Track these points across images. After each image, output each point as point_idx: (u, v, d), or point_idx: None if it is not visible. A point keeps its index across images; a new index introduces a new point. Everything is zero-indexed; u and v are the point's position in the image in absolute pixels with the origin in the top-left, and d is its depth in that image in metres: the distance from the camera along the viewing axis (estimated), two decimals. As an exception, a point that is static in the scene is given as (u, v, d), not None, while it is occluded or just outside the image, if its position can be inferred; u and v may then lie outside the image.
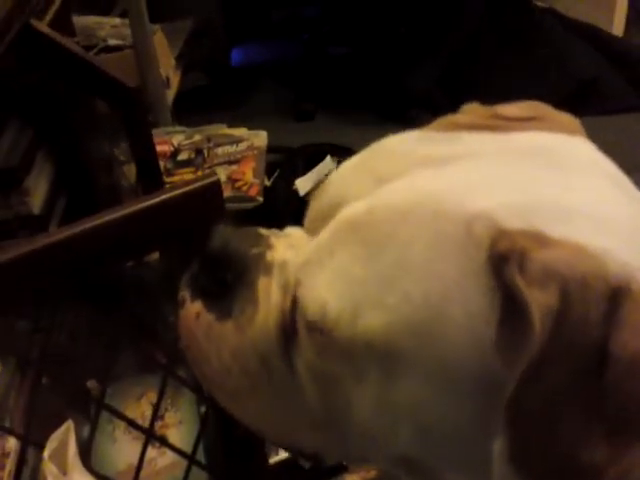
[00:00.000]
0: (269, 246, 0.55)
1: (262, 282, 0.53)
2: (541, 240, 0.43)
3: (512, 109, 0.55)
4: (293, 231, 0.57)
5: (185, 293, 0.57)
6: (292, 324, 0.52)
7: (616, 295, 0.41)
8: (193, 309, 0.56)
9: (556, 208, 0.45)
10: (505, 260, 0.43)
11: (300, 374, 0.52)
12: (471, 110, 0.56)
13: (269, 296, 0.53)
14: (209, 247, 0.55)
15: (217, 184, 0.72)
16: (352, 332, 0.47)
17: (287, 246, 0.55)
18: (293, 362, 0.53)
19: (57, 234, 0.69)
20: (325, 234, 0.50)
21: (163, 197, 0.71)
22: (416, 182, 0.48)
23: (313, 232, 0.53)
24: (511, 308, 0.42)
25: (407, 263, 0.45)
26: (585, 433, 0.41)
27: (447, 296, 0.44)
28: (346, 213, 0.49)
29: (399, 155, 0.51)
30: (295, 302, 0.51)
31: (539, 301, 0.41)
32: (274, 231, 0.58)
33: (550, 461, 0.42)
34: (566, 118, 0.56)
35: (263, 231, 0.57)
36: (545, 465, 0.42)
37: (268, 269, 0.54)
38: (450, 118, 0.55)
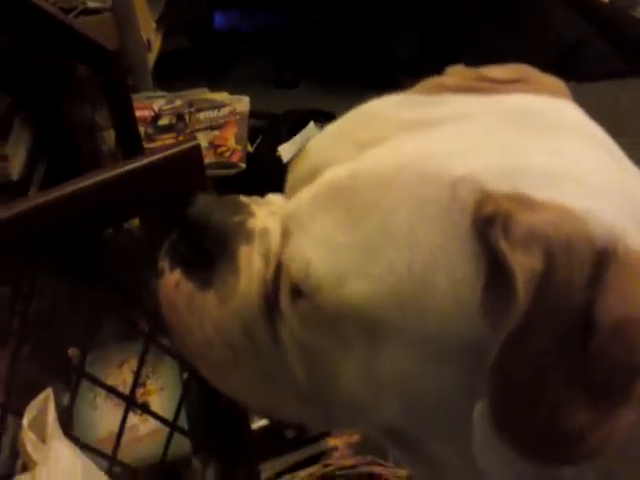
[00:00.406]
0: (250, 214, 0.54)
1: (243, 251, 0.52)
2: (526, 203, 0.42)
3: (497, 71, 0.54)
4: (274, 198, 0.56)
5: (164, 263, 0.56)
6: (275, 292, 0.51)
7: (601, 259, 0.41)
8: (172, 278, 0.55)
9: (542, 171, 0.44)
10: (490, 224, 0.42)
11: (284, 345, 0.52)
12: (456, 72, 0.55)
13: (251, 265, 0.52)
14: (189, 216, 0.54)
15: (197, 149, 0.71)
16: (336, 299, 0.46)
17: (268, 214, 0.54)
18: (277, 332, 0.52)
19: (35, 199, 0.68)
20: (306, 197, 0.49)
21: (142, 162, 0.69)
22: (400, 146, 0.47)
23: None
24: (496, 272, 0.42)
25: (391, 230, 0.45)
26: (568, 397, 0.41)
27: (432, 263, 0.44)
28: (328, 177, 0.49)
29: (381, 119, 0.50)
30: (279, 268, 0.51)
31: (522, 264, 0.40)
32: (255, 198, 0.57)
33: (532, 425, 0.42)
34: (551, 81, 0.55)
35: (244, 199, 0.56)
36: (527, 429, 0.42)
37: (249, 237, 0.53)
38: (434, 80, 0.54)
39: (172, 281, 0.55)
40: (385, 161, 0.47)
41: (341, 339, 0.48)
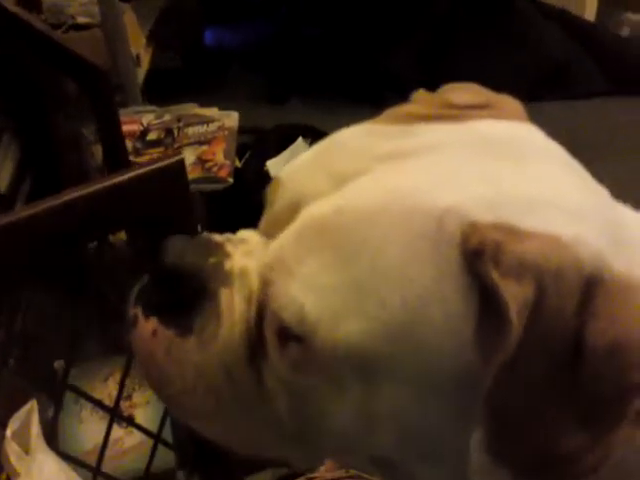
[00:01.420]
0: (226, 255, 0.53)
1: (224, 294, 0.51)
2: (513, 232, 0.43)
3: (462, 96, 0.54)
4: (248, 235, 0.54)
5: (137, 310, 0.54)
6: (259, 336, 0.50)
7: (590, 285, 0.41)
8: (149, 327, 0.53)
9: (524, 199, 0.45)
10: (479, 255, 0.43)
11: (269, 387, 0.51)
12: (420, 99, 0.55)
13: (232, 308, 0.51)
14: (162, 261, 0.53)
15: (181, 163, 0.71)
16: (331, 341, 0.46)
17: (244, 253, 0.52)
18: (261, 375, 0.51)
19: (20, 212, 0.68)
20: (289, 237, 0.48)
21: (126, 176, 0.70)
22: (382, 180, 0.47)
23: (271, 236, 0.51)
24: (487, 302, 0.43)
25: (382, 267, 0.45)
26: (562, 421, 0.41)
27: (425, 298, 0.44)
28: (310, 214, 0.48)
29: (355, 151, 0.50)
30: (262, 312, 0.50)
31: (514, 294, 0.41)
32: (228, 236, 0.55)
33: (528, 450, 0.43)
34: (510, 103, 0.56)
35: (217, 238, 0.55)
36: (523, 454, 0.43)
37: (228, 280, 0.51)
38: (402, 109, 0.54)
39: (148, 330, 0.53)
40: (369, 196, 0.46)
41: (333, 378, 0.47)
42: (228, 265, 0.52)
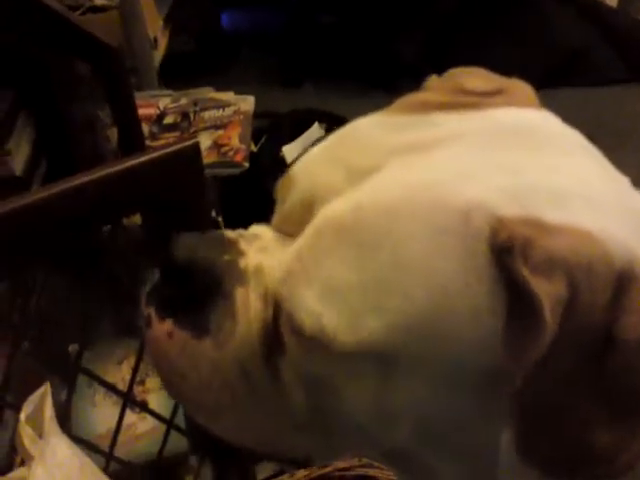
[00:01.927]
0: (240, 252, 0.52)
1: (239, 293, 0.51)
2: (542, 227, 0.42)
3: (475, 82, 0.52)
4: (261, 231, 0.54)
5: (151, 310, 0.53)
6: (276, 332, 0.50)
7: (621, 280, 0.41)
8: (163, 328, 0.52)
9: (548, 191, 0.44)
10: (508, 250, 0.42)
11: (286, 382, 0.50)
12: (434, 86, 0.54)
13: (248, 307, 0.50)
14: (174, 258, 0.52)
15: (196, 147, 0.71)
16: (353, 340, 0.45)
17: (258, 250, 0.52)
18: (278, 371, 0.50)
19: (33, 195, 0.67)
20: (307, 239, 0.47)
21: (141, 159, 0.69)
22: (402, 174, 0.46)
23: (285, 231, 0.51)
24: (516, 299, 0.42)
25: (404, 262, 0.44)
26: (594, 418, 0.41)
27: (449, 292, 0.43)
28: (328, 213, 0.47)
29: (370, 143, 0.49)
30: (278, 309, 0.49)
31: (547, 291, 0.40)
32: (241, 232, 0.54)
33: (561, 447, 0.42)
34: (522, 88, 0.54)
35: (230, 234, 0.54)
36: (555, 452, 0.42)
37: (243, 278, 0.51)
38: (416, 97, 0.53)
39: (164, 331, 0.52)
40: (389, 190, 0.45)
41: (353, 373, 0.47)
42: (243, 263, 0.51)
